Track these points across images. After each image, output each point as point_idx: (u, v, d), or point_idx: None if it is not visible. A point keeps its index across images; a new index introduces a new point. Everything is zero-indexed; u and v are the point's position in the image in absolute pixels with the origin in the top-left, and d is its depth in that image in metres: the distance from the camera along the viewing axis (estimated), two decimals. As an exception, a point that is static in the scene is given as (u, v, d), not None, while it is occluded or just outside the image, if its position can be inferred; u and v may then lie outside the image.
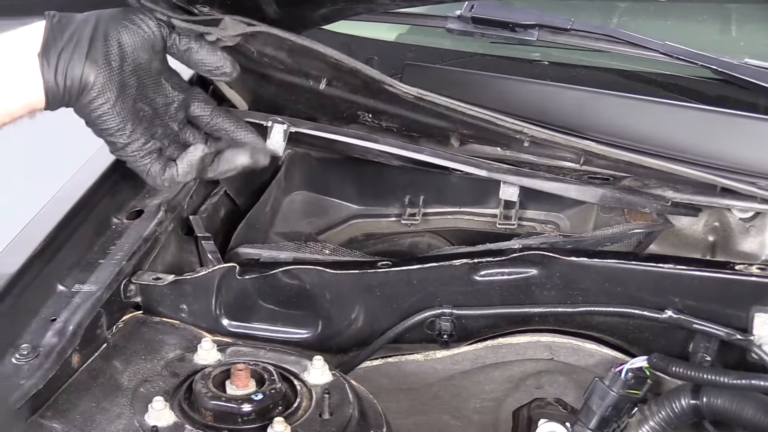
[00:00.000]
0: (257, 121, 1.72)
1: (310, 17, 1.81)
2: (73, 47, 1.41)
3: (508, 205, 1.87)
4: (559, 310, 1.61)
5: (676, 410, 1.47)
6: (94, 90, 1.42)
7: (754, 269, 1.52)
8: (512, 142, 1.73)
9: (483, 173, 1.68)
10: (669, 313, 1.53)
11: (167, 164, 1.52)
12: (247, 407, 1.35)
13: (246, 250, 1.76)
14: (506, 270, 1.61)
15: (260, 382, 1.40)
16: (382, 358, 1.72)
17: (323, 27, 1.99)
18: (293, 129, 1.70)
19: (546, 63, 2.05)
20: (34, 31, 1.42)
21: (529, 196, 1.78)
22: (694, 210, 1.73)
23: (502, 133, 1.66)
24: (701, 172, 1.56)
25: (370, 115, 1.75)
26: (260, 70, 1.78)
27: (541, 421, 1.67)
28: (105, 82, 1.42)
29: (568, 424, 1.60)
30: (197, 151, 1.54)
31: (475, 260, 1.61)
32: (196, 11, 1.59)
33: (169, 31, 1.50)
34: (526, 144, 1.65)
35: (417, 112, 1.71)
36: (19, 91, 1.41)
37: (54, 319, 1.48)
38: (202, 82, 1.83)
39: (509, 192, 1.69)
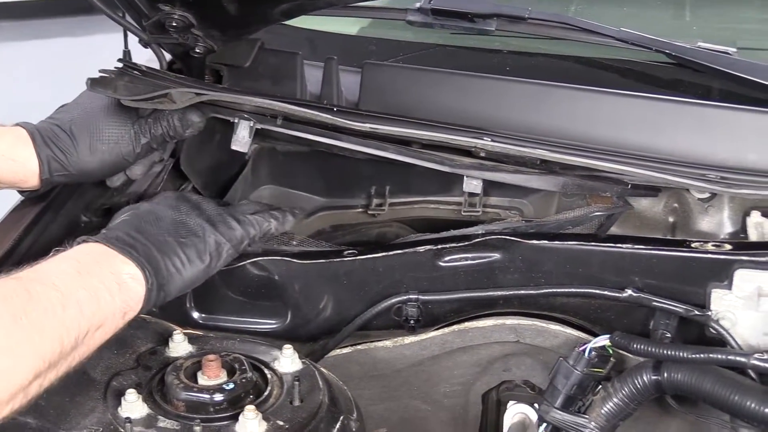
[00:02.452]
0: (224, 117, 1.74)
1: (271, 13, 1.83)
2: None
3: (473, 193, 1.89)
4: (523, 292, 1.64)
5: (639, 386, 1.50)
6: None
7: (709, 246, 1.55)
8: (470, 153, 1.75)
9: (446, 169, 1.70)
10: (629, 292, 1.57)
11: None
12: (218, 397, 1.37)
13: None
14: (470, 255, 1.64)
15: (231, 372, 1.42)
16: (351, 345, 1.76)
17: (284, 23, 2.01)
18: (259, 126, 1.72)
19: (505, 52, 2.07)
20: None
21: (493, 184, 1.80)
22: (653, 191, 1.76)
23: (458, 148, 1.69)
24: (653, 172, 1.58)
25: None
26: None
27: (510, 403, 1.71)
28: None
29: (536, 404, 1.64)
30: None
31: (439, 246, 1.65)
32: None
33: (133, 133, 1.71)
34: (482, 155, 1.68)
35: (375, 138, 1.73)
36: None
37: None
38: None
39: (473, 185, 1.70)
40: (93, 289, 1.36)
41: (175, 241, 1.52)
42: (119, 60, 1.83)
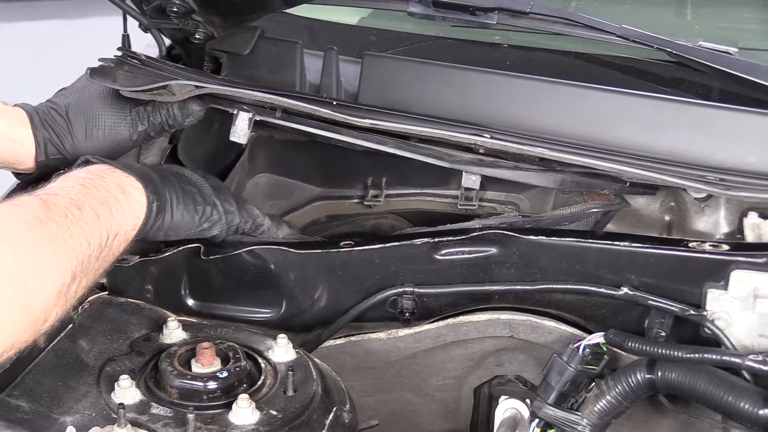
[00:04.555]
0: (222, 108, 1.73)
1: (272, 1, 1.83)
2: None
3: (470, 188, 1.89)
4: (519, 287, 1.64)
5: (632, 384, 1.50)
6: None
7: (706, 246, 1.55)
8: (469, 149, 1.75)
9: (445, 164, 1.70)
10: (625, 290, 1.57)
11: None
12: (212, 385, 1.37)
13: (210, 232, 1.78)
14: (466, 249, 1.64)
15: (225, 360, 1.42)
16: (345, 336, 1.75)
17: (285, 11, 2.01)
18: (258, 117, 1.72)
19: (506, 46, 2.06)
20: None
21: (489, 179, 1.80)
22: (651, 189, 1.76)
23: (458, 145, 1.69)
24: (652, 173, 1.58)
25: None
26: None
27: (502, 398, 1.71)
28: None
29: (528, 400, 1.64)
30: None
31: (436, 239, 1.64)
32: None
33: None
34: (481, 151, 1.68)
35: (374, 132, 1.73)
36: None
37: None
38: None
39: (471, 180, 1.71)
40: (102, 198, 1.39)
41: (176, 180, 1.56)
42: (119, 48, 1.82)
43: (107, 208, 1.38)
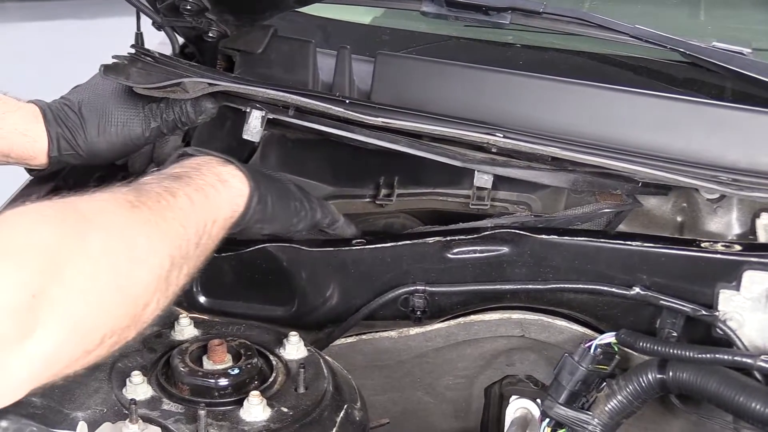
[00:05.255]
0: (235, 106, 1.74)
1: (286, 0, 1.82)
2: None
3: (482, 187, 1.89)
4: (530, 287, 1.63)
5: (644, 384, 1.50)
6: None
7: (719, 247, 1.55)
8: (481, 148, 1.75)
9: (458, 164, 1.70)
10: (637, 289, 1.56)
11: None
12: (223, 381, 1.38)
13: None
14: (478, 248, 1.64)
15: (237, 357, 1.42)
16: (356, 335, 1.75)
17: (298, 10, 2.01)
18: (270, 116, 1.72)
19: (519, 46, 2.06)
20: None
21: (501, 178, 1.80)
22: (663, 189, 1.76)
23: (471, 144, 1.69)
24: (664, 173, 1.58)
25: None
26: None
27: (513, 397, 1.71)
28: None
29: (539, 400, 1.63)
30: None
31: (448, 238, 1.64)
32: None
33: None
34: (493, 151, 1.68)
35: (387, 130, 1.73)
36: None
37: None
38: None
39: (483, 179, 1.71)
40: (196, 186, 1.38)
41: (268, 175, 1.59)
42: (132, 46, 1.83)
43: (203, 195, 1.38)
